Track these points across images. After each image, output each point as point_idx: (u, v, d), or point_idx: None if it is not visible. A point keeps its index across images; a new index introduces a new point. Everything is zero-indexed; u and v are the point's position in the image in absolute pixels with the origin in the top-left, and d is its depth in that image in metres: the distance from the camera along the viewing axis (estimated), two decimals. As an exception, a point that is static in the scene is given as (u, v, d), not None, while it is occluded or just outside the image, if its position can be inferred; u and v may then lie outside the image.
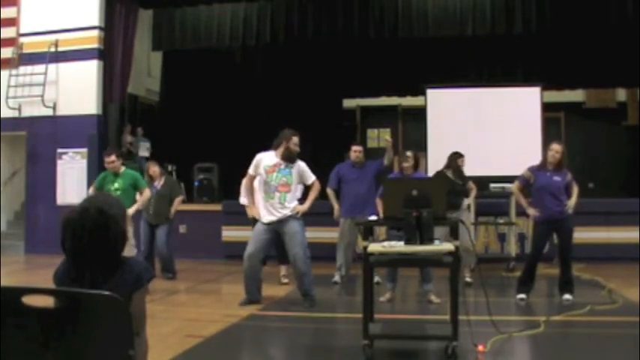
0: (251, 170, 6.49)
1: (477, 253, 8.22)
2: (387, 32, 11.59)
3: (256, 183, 6.63)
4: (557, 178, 6.52)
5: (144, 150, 11.99)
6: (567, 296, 6.46)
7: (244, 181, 7.83)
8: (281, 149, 6.32)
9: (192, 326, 5.51)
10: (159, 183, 8.43)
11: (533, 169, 6.66)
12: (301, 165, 6.41)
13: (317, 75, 12.91)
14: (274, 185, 6.29)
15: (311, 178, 6.46)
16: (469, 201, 7.91)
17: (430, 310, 6.23)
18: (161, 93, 13.85)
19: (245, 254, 6.39)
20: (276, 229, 6.32)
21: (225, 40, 12.24)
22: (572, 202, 6.52)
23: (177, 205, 8.47)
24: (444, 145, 9.04)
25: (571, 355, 4.65)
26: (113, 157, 7.41)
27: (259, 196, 6.51)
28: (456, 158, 7.73)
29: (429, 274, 6.47)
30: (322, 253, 8.54)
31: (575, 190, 6.60)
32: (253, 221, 7.80)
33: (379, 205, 6.49)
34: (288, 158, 6.30)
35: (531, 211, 6.64)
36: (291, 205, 6.33)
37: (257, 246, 6.33)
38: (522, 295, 6.59)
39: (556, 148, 6.58)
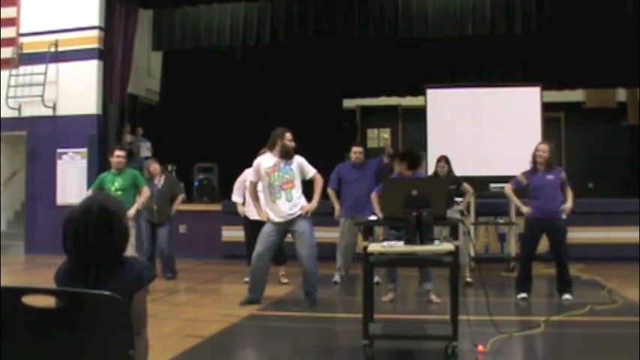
0: (253, 177, 6.52)
1: (472, 254, 8.24)
2: (387, 32, 11.59)
3: (259, 186, 6.64)
4: (550, 177, 6.57)
5: (145, 150, 11.98)
6: (567, 296, 6.46)
7: (239, 183, 7.89)
8: (277, 148, 6.35)
9: (192, 326, 5.51)
10: (159, 182, 8.39)
11: (526, 174, 6.72)
12: (299, 159, 6.41)
13: (317, 75, 12.90)
14: (278, 185, 6.30)
15: (311, 171, 6.44)
16: (464, 202, 7.90)
17: (430, 310, 6.23)
18: (161, 93, 13.84)
19: (254, 253, 6.40)
20: (286, 228, 6.34)
21: (225, 40, 12.25)
22: (567, 206, 6.55)
23: (179, 202, 8.47)
24: (444, 145, 9.04)
25: (571, 355, 4.65)
26: (123, 152, 7.54)
27: (265, 198, 6.51)
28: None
29: (429, 274, 6.47)
30: (322, 253, 8.53)
31: (570, 194, 6.63)
32: (245, 219, 7.85)
33: (375, 200, 6.50)
34: (286, 155, 6.33)
35: (525, 209, 6.66)
36: (299, 201, 6.33)
37: (266, 245, 6.34)
38: (523, 295, 6.58)
39: (542, 147, 6.66)
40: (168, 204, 8.30)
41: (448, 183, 7.51)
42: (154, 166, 8.47)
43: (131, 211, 6.97)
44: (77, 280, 2.25)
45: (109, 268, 2.27)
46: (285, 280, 7.80)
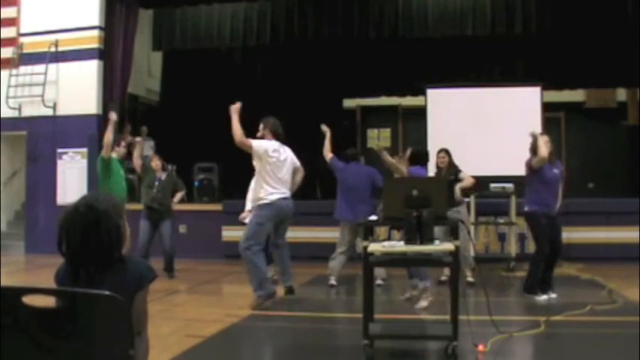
0: None
1: (473, 254, 8.23)
2: (387, 32, 11.60)
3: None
4: (556, 171, 6.60)
5: (148, 149, 11.97)
6: (552, 295, 6.45)
7: None
8: None
9: (192, 326, 5.51)
10: (162, 176, 8.55)
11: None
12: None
13: (317, 75, 12.91)
14: None
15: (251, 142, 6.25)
16: (462, 186, 7.77)
17: (430, 310, 6.22)
18: (161, 93, 13.85)
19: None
20: None
21: (225, 40, 12.26)
22: (559, 203, 6.58)
23: (180, 198, 8.63)
24: (444, 144, 9.02)
25: (571, 355, 4.65)
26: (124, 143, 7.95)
27: None
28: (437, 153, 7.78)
29: (420, 272, 6.33)
30: (323, 252, 8.54)
31: (561, 187, 6.65)
32: None
33: None
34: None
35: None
36: (252, 193, 6.49)
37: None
38: (553, 295, 6.49)
39: (547, 138, 6.57)
40: (170, 198, 8.47)
41: (448, 174, 7.49)
42: (156, 162, 8.54)
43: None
44: (77, 281, 2.25)
45: (104, 268, 2.26)
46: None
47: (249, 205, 7.42)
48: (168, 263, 8.38)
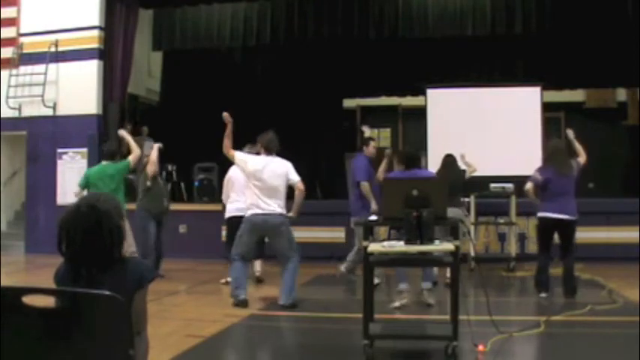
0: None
1: (473, 254, 8.27)
2: (387, 32, 11.59)
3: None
4: None
5: (148, 149, 11.95)
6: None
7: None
8: None
9: (192, 326, 5.51)
10: (162, 180, 8.60)
11: None
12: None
13: (317, 75, 12.90)
14: None
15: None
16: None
17: (430, 310, 6.23)
18: (161, 93, 13.84)
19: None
20: None
21: (225, 40, 12.26)
22: None
23: None
24: (444, 145, 9.04)
25: (571, 355, 4.65)
26: None
27: None
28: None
29: (428, 274, 6.43)
30: (323, 252, 8.55)
31: None
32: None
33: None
34: None
35: None
36: None
37: None
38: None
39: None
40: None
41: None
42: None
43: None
44: (76, 281, 2.25)
45: (104, 268, 2.27)
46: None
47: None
48: (157, 260, 8.29)
